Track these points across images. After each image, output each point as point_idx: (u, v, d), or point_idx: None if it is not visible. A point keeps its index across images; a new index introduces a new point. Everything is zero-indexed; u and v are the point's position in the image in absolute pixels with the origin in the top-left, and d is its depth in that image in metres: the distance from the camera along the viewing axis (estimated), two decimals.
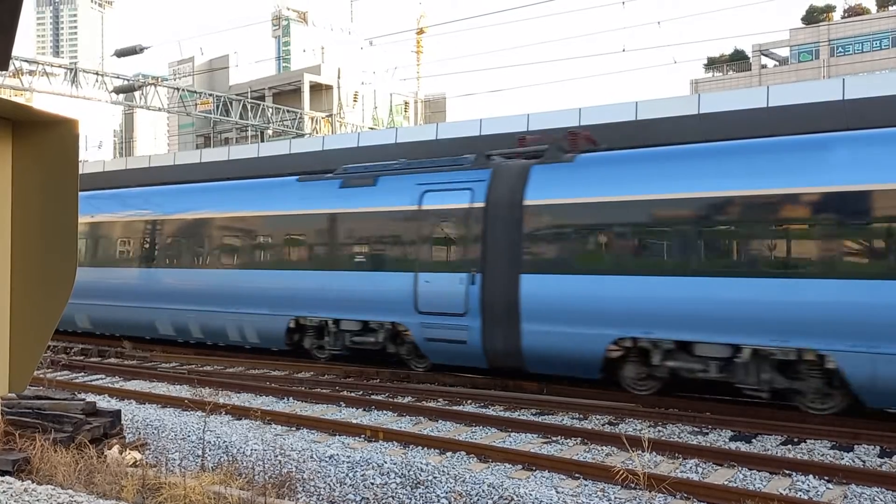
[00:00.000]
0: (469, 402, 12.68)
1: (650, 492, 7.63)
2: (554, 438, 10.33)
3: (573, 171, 12.93)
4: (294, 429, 11.09)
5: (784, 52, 60.33)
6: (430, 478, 8.55)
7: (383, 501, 8.42)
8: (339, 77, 65.30)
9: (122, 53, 35.38)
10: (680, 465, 9.04)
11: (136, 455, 9.44)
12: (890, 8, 58.78)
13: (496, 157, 14.35)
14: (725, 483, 8.30)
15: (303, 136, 41.84)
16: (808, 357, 10.41)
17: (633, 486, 7.66)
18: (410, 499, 8.39)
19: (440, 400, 12.92)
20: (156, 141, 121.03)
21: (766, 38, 61.13)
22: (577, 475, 8.61)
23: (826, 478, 8.36)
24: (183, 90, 42.79)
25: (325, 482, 8.99)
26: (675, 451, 9.42)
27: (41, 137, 1.84)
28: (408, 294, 13.98)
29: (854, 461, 9.14)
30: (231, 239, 17.44)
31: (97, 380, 15.60)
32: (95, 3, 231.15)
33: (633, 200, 12.03)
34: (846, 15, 62.15)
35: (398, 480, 8.69)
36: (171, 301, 17.86)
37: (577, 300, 12.28)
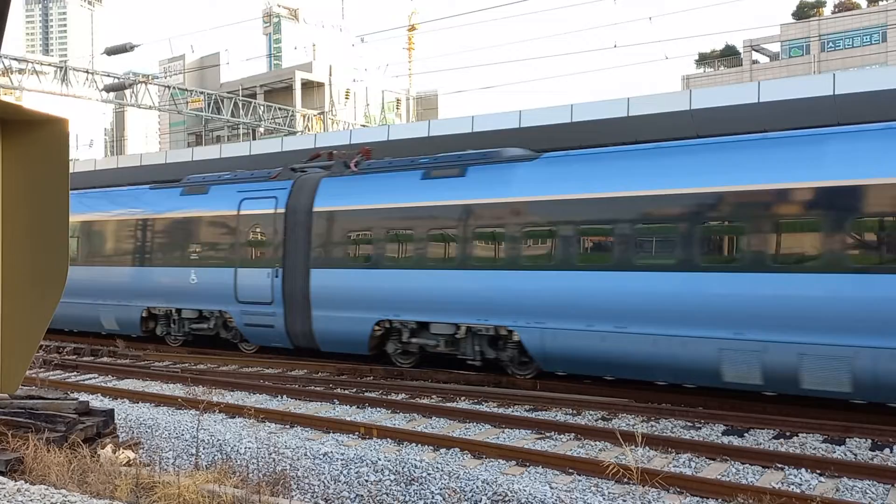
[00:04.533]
0: (463, 398, 12.69)
1: (643, 486, 7.66)
2: (547, 434, 10.35)
3: (350, 183, 15.49)
4: (288, 427, 11.08)
5: (775, 47, 60.52)
6: (424, 474, 8.56)
7: (377, 498, 8.43)
8: (330, 74, 65.15)
9: (112, 51, 35.20)
10: (673, 459, 9.07)
11: (130, 454, 9.43)
12: (880, 3, 58.98)
13: None
14: (718, 477, 8.33)
15: (295, 133, 41.74)
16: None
17: (626, 480, 7.68)
18: (405, 496, 8.40)
19: (434, 397, 12.93)
20: (147, 139, 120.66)
21: (756, 34, 61.37)
22: (570, 470, 8.63)
23: (818, 471, 8.40)
24: (174, 88, 42.57)
25: (319, 480, 8.99)
26: (668, 445, 9.45)
27: (31, 137, 1.83)
28: None
29: (846, 454, 9.18)
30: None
31: (90, 379, 15.54)
32: (85, 0, 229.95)
33: (388, 208, 14.50)
34: (836, 10, 62.36)
35: (392, 477, 8.69)
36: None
37: (351, 289, 14.83)
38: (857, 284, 9.97)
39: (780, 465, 8.63)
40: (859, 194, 10.19)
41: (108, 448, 9.39)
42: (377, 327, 14.36)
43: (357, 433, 10.51)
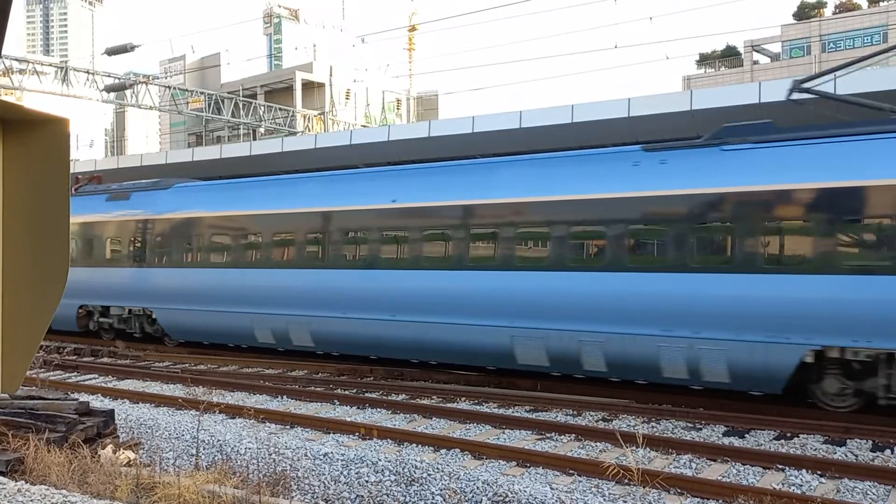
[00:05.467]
0: (463, 399, 12.68)
1: (644, 487, 7.65)
2: (548, 435, 10.34)
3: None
4: (288, 427, 11.08)
5: (776, 47, 60.47)
6: (424, 475, 8.55)
7: (378, 499, 8.42)
8: (331, 75, 65.15)
9: (112, 52, 35.17)
10: (674, 460, 9.06)
11: (130, 454, 9.42)
12: (881, 3, 58.99)
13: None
14: (719, 478, 8.33)
15: (295, 134, 41.74)
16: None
17: (627, 482, 7.67)
18: (405, 496, 8.39)
19: (434, 397, 12.93)
20: (147, 139, 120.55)
21: (757, 35, 61.36)
22: (571, 471, 8.63)
23: (819, 472, 8.40)
24: (174, 88, 42.55)
25: (319, 480, 8.98)
26: (668, 446, 9.44)
27: (32, 136, 1.83)
28: None
29: (846, 455, 9.18)
30: None
31: (90, 379, 15.54)
32: (86, 1, 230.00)
33: (84, 221, 19.69)
34: (837, 11, 62.36)
35: (393, 478, 8.69)
36: None
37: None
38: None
39: (780, 466, 8.63)
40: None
41: (109, 448, 9.39)
42: (81, 310, 19.76)
43: (357, 434, 10.50)
